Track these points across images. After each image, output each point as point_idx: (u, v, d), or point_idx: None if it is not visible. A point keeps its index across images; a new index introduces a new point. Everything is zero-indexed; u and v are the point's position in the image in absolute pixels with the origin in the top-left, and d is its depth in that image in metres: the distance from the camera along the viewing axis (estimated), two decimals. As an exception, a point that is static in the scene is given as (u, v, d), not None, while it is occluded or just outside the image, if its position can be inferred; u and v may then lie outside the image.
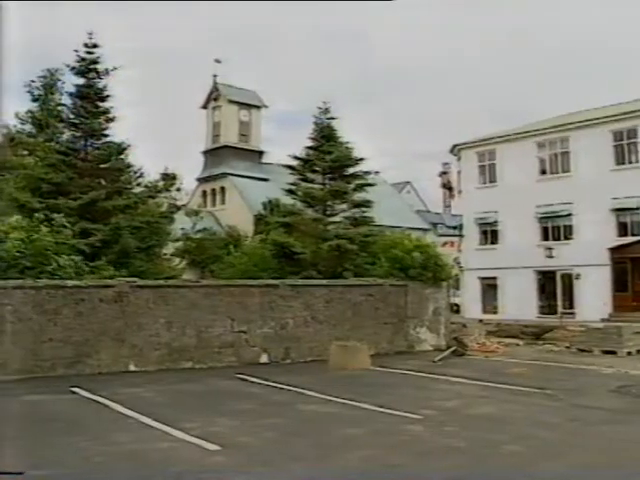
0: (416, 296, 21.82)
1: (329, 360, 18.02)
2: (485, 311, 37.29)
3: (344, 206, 25.88)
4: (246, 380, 15.69)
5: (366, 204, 25.58)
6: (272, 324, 18.91)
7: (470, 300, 38.74)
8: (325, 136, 26.09)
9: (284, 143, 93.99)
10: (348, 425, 10.95)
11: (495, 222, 37.92)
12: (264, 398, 13.60)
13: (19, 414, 11.99)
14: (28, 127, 29.12)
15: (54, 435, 10.18)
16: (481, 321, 31.72)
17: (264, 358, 18.72)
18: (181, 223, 32.73)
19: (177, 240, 30.15)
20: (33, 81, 30.38)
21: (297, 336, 19.27)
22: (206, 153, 50.19)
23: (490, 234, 38.64)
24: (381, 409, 12.04)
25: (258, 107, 50.65)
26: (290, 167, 26.67)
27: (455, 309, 35.04)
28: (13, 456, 9.00)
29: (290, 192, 25.82)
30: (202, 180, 49.69)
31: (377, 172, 28.36)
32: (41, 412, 12.19)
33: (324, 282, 20.72)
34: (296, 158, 26.38)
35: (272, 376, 15.85)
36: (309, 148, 26.17)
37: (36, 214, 19.35)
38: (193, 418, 11.28)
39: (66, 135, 23.98)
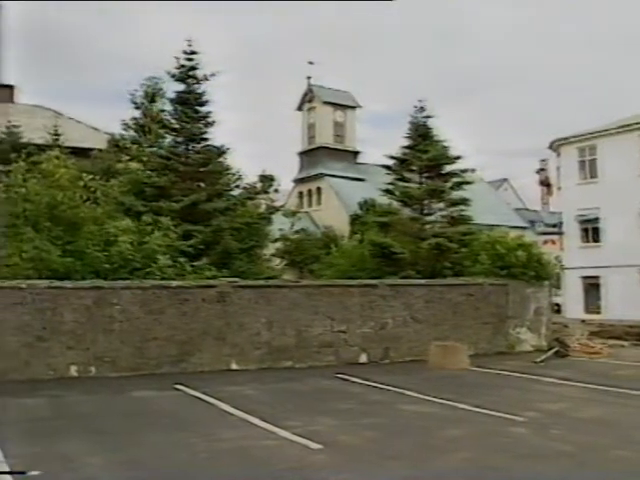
0: (517, 295, 21.43)
1: (428, 360, 17.93)
2: (587, 311, 36.30)
3: (441, 205, 25.64)
4: (346, 380, 15.77)
5: (463, 202, 25.27)
6: (371, 324, 18.93)
7: (571, 300, 37.79)
8: (421, 135, 25.90)
9: (378, 143, 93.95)
10: (448, 426, 10.87)
11: (597, 219, 36.87)
12: (364, 398, 13.64)
13: (128, 410, 12.44)
14: (132, 133, 30.01)
15: (161, 431, 10.49)
16: (583, 321, 30.87)
17: (363, 358, 18.76)
18: (279, 224, 33.07)
19: (276, 240, 30.48)
20: (136, 90, 31.36)
21: (396, 336, 19.23)
22: (302, 154, 50.66)
23: (592, 232, 37.59)
24: (482, 410, 11.89)
25: (352, 107, 50.74)
26: (386, 167, 26.61)
27: (556, 309, 34.21)
28: (122, 450, 9.36)
29: (387, 192, 25.75)
30: (298, 181, 50.21)
31: (473, 170, 27.96)
32: (148, 408, 12.60)
33: (423, 282, 20.59)
34: (392, 157, 26.30)
35: (371, 376, 15.88)
36: (405, 147, 26.05)
37: (144, 217, 20.05)
38: (295, 417, 11.43)
39: (168, 140, 24.67)
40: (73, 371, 15.54)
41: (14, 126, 31.46)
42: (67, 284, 16.02)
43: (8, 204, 18.98)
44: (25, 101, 39.77)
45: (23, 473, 7.70)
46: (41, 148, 25.61)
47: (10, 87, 40.11)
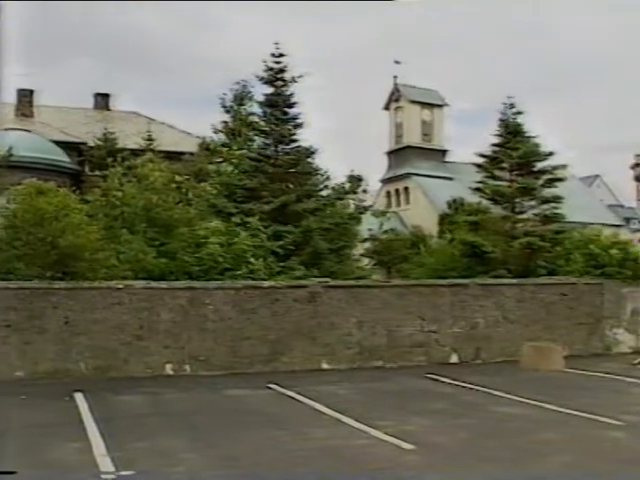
0: (612, 295, 20.79)
1: (521, 361, 17.63)
2: (689, 311, 34.92)
3: (532, 203, 25.14)
4: (437, 380, 15.65)
5: (555, 200, 24.71)
6: (462, 324, 18.73)
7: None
8: (511, 132, 25.44)
9: (464, 141, 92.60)
10: (543, 428, 10.67)
11: (698, 216, 35.47)
12: (455, 398, 13.54)
13: (223, 408, 12.71)
14: (222, 137, 30.66)
15: (256, 429, 10.67)
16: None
17: (454, 358, 18.58)
18: (368, 224, 33.07)
19: (364, 240, 30.49)
20: (225, 94, 32.07)
21: (488, 336, 18.96)
22: (389, 154, 50.46)
23: (692, 228, 36.20)
24: (578, 413, 11.60)
25: (440, 106, 50.21)
26: (476, 165, 26.27)
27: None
28: (219, 446, 9.57)
29: (477, 190, 25.42)
30: (386, 181, 50.03)
31: (564, 166, 27.23)
32: (242, 406, 12.84)
33: (515, 281, 20.23)
34: (482, 156, 25.92)
35: (463, 376, 15.70)
36: (495, 145, 25.65)
37: (232, 218, 20.41)
38: (386, 416, 11.43)
39: (257, 142, 25.03)
40: (169, 369, 15.95)
41: (110, 132, 32.68)
42: (162, 284, 16.46)
43: (106, 208, 19.64)
44: (120, 108, 41.16)
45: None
46: (135, 153, 26.48)
47: (106, 95, 41.65)
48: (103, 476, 8.10)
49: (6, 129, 29.12)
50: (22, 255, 16.22)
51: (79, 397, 12.80)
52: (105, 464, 8.46)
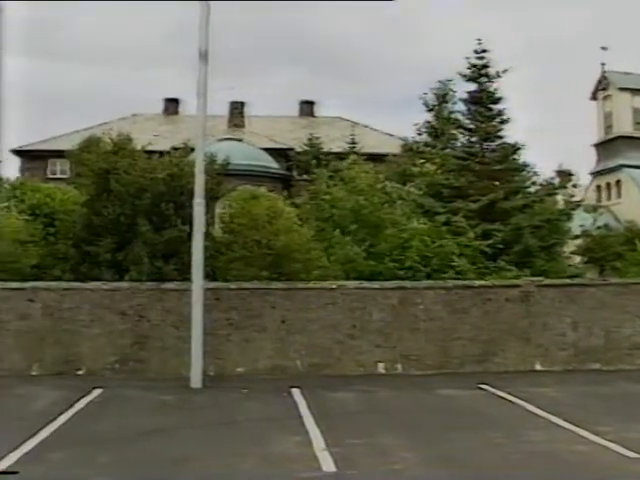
0: None
1: None
2: None
3: None
4: (661, 385, 14.79)
5: None
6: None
7: None
8: None
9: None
10: None
11: None
12: (685, 406, 12.73)
13: (435, 407, 12.74)
14: (424, 137, 30.86)
15: (469, 429, 10.60)
16: None
17: (679, 362, 17.43)
18: (579, 220, 31.86)
19: (576, 237, 29.38)
20: (426, 93, 32.20)
21: None
22: (598, 146, 48.34)
23: None
24: None
25: (655, 92, 47.35)
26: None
27: None
28: (434, 445, 9.62)
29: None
30: (596, 174, 47.95)
31: None
32: (454, 406, 12.79)
33: None
34: None
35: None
36: None
37: (437, 217, 20.45)
38: (605, 422, 10.89)
39: (461, 140, 24.91)
40: (380, 368, 16.18)
41: (315, 137, 33.90)
42: (375, 284, 16.73)
43: (316, 210, 20.35)
44: (324, 114, 42.56)
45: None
46: (340, 156, 27.26)
47: (311, 103, 43.39)
48: (324, 474, 8.30)
49: (220, 139, 31.08)
50: (240, 257, 17.17)
51: (296, 393, 13.31)
52: (325, 460, 8.68)
